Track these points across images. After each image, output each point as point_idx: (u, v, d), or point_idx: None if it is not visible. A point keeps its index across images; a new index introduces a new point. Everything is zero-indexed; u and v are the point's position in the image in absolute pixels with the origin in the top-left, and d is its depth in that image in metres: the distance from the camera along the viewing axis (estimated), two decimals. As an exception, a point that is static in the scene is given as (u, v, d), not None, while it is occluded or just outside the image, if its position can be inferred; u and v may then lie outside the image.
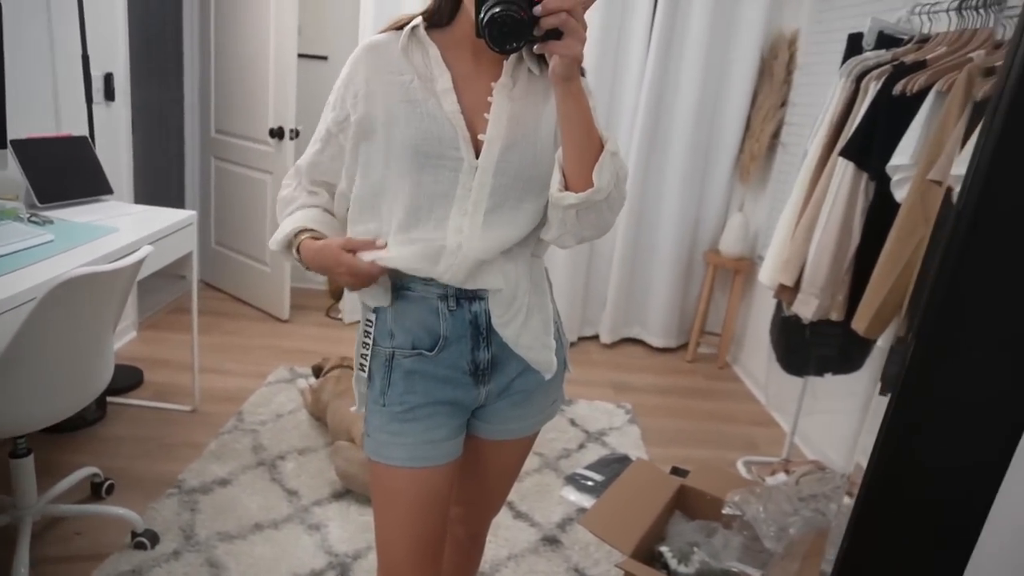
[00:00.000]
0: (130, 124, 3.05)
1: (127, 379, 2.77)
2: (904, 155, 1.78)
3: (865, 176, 1.94)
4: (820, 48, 3.05)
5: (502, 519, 2.15)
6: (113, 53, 2.86)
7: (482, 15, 0.89)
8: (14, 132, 2.15)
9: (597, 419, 2.91)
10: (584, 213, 1.01)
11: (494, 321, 1.10)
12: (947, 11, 1.92)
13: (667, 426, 2.95)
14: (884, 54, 2.06)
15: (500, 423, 1.20)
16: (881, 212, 1.90)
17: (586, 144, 0.97)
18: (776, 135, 3.39)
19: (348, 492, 2.21)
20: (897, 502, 0.85)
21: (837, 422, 2.58)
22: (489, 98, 1.04)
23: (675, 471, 2.35)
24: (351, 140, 1.09)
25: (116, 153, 2.91)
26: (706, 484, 1.97)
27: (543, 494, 2.33)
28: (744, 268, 3.50)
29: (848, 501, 1.78)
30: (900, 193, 1.81)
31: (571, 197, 0.98)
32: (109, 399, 2.60)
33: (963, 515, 0.83)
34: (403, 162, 1.03)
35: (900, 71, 1.88)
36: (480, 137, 1.03)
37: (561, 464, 2.53)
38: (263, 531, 2.01)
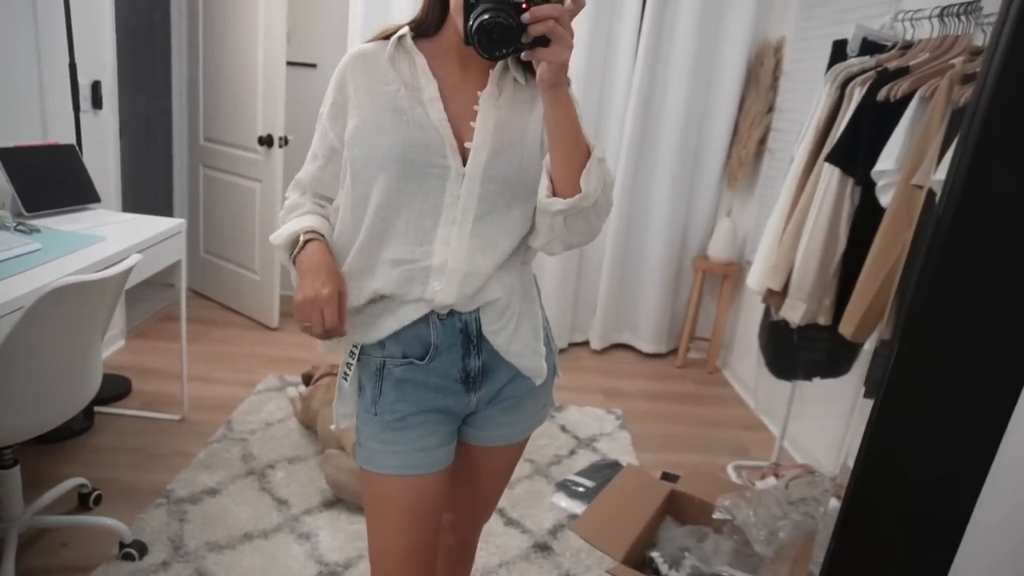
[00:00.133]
0: (118, 132, 3.04)
1: (115, 388, 2.75)
2: (889, 160, 1.80)
3: (851, 181, 1.95)
4: (805, 55, 3.08)
5: (493, 526, 2.15)
6: (101, 61, 2.85)
7: (471, 22, 0.90)
8: (1, 140, 2.14)
9: (588, 425, 2.92)
10: (572, 219, 1.02)
11: (485, 329, 1.10)
12: (929, 18, 1.94)
13: (657, 431, 2.96)
14: (868, 60, 2.08)
15: (491, 429, 1.20)
16: (867, 217, 1.91)
17: (573, 150, 0.98)
18: (763, 141, 3.42)
19: (339, 501, 2.20)
20: (882, 504, 0.86)
21: (826, 426, 2.60)
22: (475, 107, 1.05)
23: (665, 476, 2.36)
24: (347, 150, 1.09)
25: (104, 161, 2.90)
26: (696, 489, 1.98)
27: (534, 501, 2.33)
28: (733, 273, 3.52)
29: (835, 504, 1.79)
30: (885, 198, 1.83)
31: (559, 203, 0.99)
32: (97, 409, 2.58)
33: (947, 515, 0.84)
34: (390, 171, 1.03)
35: (884, 77, 1.91)
36: (467, 145, 1.04)
37: (552, 470, 2.54)
38: (253, 541, 2.00)
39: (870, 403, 0.84)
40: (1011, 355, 0.77)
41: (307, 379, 2.77)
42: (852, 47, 2.17)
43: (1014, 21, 0.68)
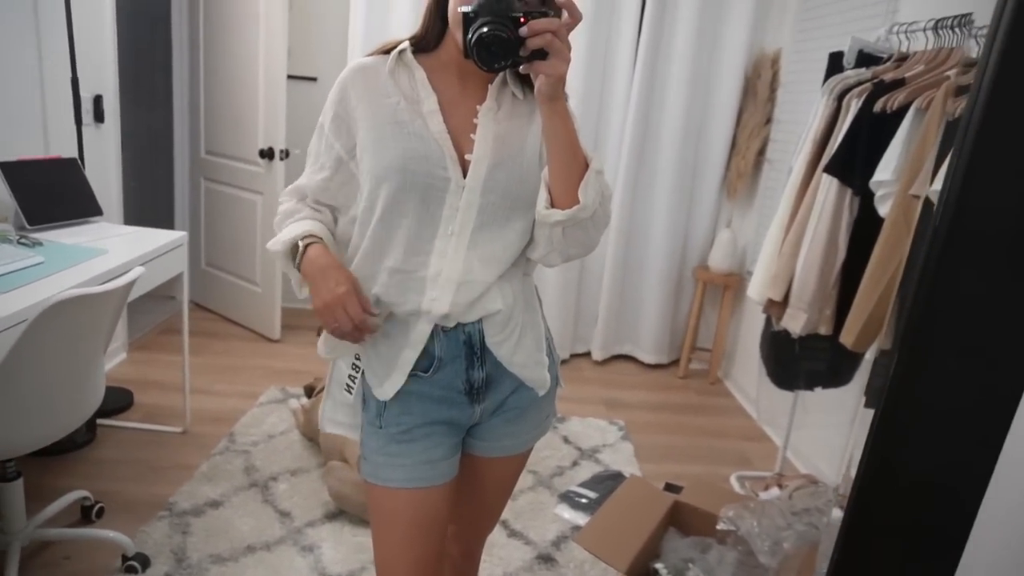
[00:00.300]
0: (120, 145, 3.05)
1: (117, 401, 2.75)
2: (886, 171, 1.81)
3: (849, 192, 1.97)
4: (802, 67, 3.10)
5: (496, 538, 2.14)
6: (102, 75, 2.87)
7: (470, 36, 0.91)
8: (3, 154, 2.16)
9: (590, 436, 2.91)
10: (570, 230, 1.03)
11: (488, 341, 1.11)
12: (924, 30, 1.96)
13: (660, 442, 2.96)
14: (864, 72, 2.10)
15: (494, 440, 1.20)
16: (866, 227, 1.93)
17: (571, 162, 0.99)
18: (762, 152, 3.44)
19: (341, 513, 2.20)
20: (885, 514, 0.86)
21: (828, 435, 2.60)
22: (475, 120, 1.07)
23: (669, 487, 2.35)
24: (357, 163, 1.10)
25: (106, 174, 2.92)
26: (700, 500, 1.98)
27: (537, 512, 2.33)
28: (733, 284, 3.53)
29: (838, 514, 1.79)
30: (884, 208, 1.84)
31: (557, 214, 1.00)
32: (99, 421, 2.58)
33: (950, 524, 0.84)
34: (391, 182, 1.05)
35: (880, 89, 1.92)
36: (467, 157, 1.05)
37: (555, 482, 2.53)
38: (256, 553, 2.00)
39: (871, 413, 0.85)
40: (1011, 363, 0.77)
41: (309, 391, 2.77)
42: (848, 59, 2.19)
43: (1006, 33, 0.69)
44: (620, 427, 3.03)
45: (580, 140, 1.00)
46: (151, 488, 2.26)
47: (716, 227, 3.72)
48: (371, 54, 1.12)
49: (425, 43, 1.10)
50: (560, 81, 0.94)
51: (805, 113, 2.39)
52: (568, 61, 0.93)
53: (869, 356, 1.94)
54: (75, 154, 2.56)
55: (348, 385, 1.17)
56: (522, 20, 0.90)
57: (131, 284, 1.70)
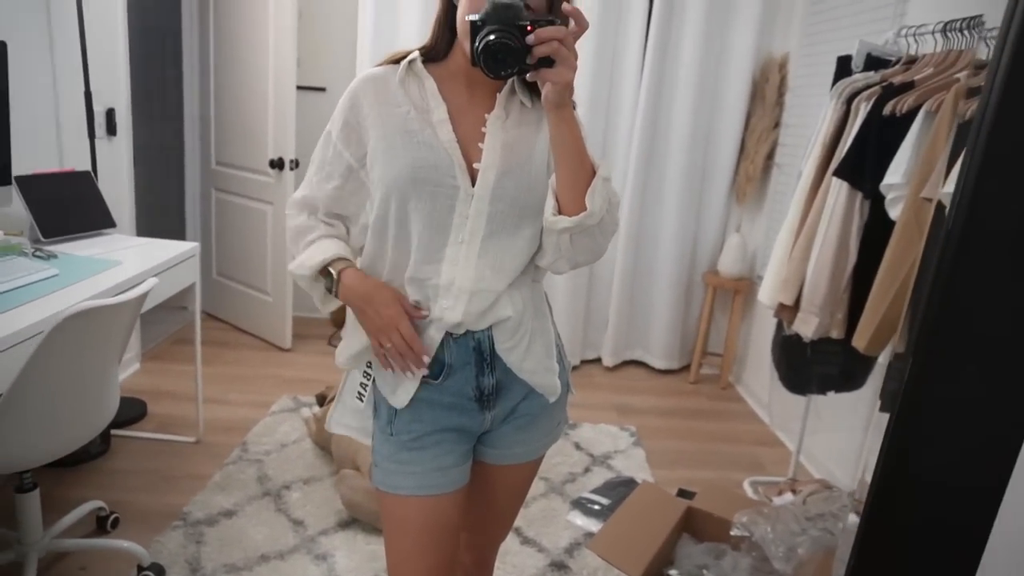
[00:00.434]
0: (132, 158, 3.09)
1: (131, 411, 2.77)
2: (897, 174, 1.81)
3: (859, 195, 1.96)
4: (810, 70, 3.10)
5: (509, 545, 2.14)
6: (115, 88, 2.90)
7: (477, 44, 0.92)
8: (19, 168, 2.18)
9: (602, 442, 2.91)
10: (578, 237, 1.03)
11: (498, 347, 1.11)
12: (932, 33, 1.96)
13: (672, 448, 2.95)
14: (873, 76, 2.09)
15: (506, 447, 1.21)
16: (877, 230, 1.92)
17: (579, 169, 0.99)
18: (770, 156, 3.43)
19: (354, 521, 2.20)
20: (902, 518, 0.86)
21: (842, 440, 2.58)
22: (483, 128, 1.07)
23: (681, 493, 2.35)
24: (367, 171, 1.11)
25: (118, 187, 2.95)
26: (713, 505, 1.97)
27: (550, 519, 2.32)
28: (743, 288, 3.52)
29: (854, 519, 1.77)
30: (894, 211, 1.83)
31: (565, 221, 1.01)
32: (113, 432, 2.60)
33: (968, 528, 0.83)
34: (402, 191, 1.05)
35: (889, 92, 1.92)
36: (476, 165, 1.06)
37: (567, 488, 2.53)
38: (269, 562, 2.00)
39: (886, 417, 0.84)
40: (1026, 366, 0.77)
41: (321, 400, 2.78)
42: (856, 63, 2.19)
43: (1016, 35, 0.69)
44: (632, 433, 3.02)
45: (587, 147, 1.01)
46: (165, 498, 2.27)
47: (725, 232, 3.71)
48: (381, 64, 1.13)
49: (435, 53, 1.11)
50: (567, 89, 0.94)
51: (814, 117, 2.38)
52: (575, 69, 0.93)
53: (883, 360, 1.93)
54: (88, 167, 2.59)
55: (360, 393, 1.18)
56: (529, 28, 0.91)
57: (144, 295, 1.72)
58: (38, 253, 2.06)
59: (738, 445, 3.04)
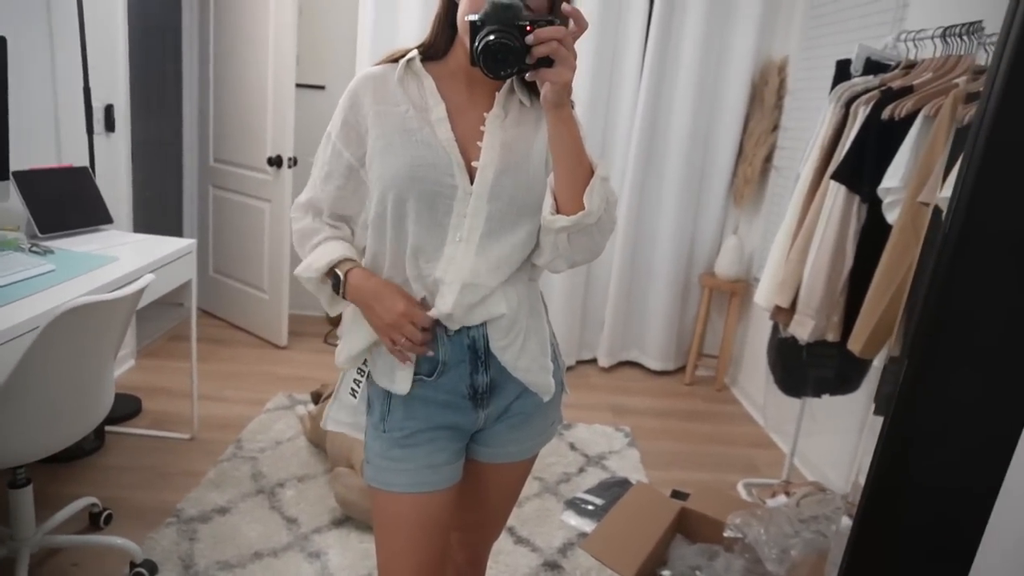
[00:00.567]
0: (130, 154, 3.08)
1: (125, 408, 2.76)
2: (894, 178, 1.81)
3: (857, 198, 1.96)
4: (809, 74, 3.10)
5: (503, 545, 2.14)
6: (114, 84, 2.90)
7: (477, 43, 0.92)
8: (16, 163, 2.17)
9: (596, 443, 2.91)
10: (575, 236, 1.03)
11: (492, 345, 1.11)
12: (932, 38, 1.96)
13: (666, 449, 2.95)
14: (872, 80, 2.10)
15: (499, 446, 1.21)
16: (874, 234, 1.92)
17: (577, 169, 1.00)
18: (768, 159, 3.43)
19: (348, 519, 2.20)
20: (895, 521, 0.86)
21: (836, 443, 2.59)
22: (482, 127, 1.07)
23: (675, 494, 2.35)
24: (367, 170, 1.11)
25: (116, 183, 2.94)
26: (707, 507, 1.98)
27: (543, 519, 2.32)
28: (740, 290, 3.52)
29: (847, 521, 1.78)
30: (892, 215, 1.84)
31: (562, 220, 1.01)
32: (107, 428, 2.59)
33: (960, 531, 0.83)
34: (400, 189, 1.06)
35: (888, 96, 1.92)
36: (474, 164, 1.06)
37: (561, 488, 2.53)
38: (263, 560, 2.00)
39: (880, 420, 0.85)
40: (1021, 369, 0.77)
41: (316, 397, 2.78)
42: (856, 67, 2.19)
43: (1016, 41, 0.70)
44: (626, 434, 3.02)
45: (586, 147, 1.01)
46: (159, 495, 2.26)
47: (723, 233, 3.72)
48: (380, 63, 1.13)
49: (434, 51, 1.11)
50: (566, 88, 0.94)
51: (812, 120, 2.39)
52: (574, 69, 0.94)
53: (877, 363, 1.93)
54: (86, 163, 2.59)
55: (353, 389, 1.18)
56: (528, 28, 0.91)
57: (141, 292, 1.71)
58: (35, 248, 2.05)
59: (732, 447, 3.04)
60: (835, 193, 2.00)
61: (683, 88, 3.44)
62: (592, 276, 3.72)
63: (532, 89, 1.09)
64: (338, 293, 1.11)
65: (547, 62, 0.92)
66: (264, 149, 3.45)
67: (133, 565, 1.88)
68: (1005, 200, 0.73)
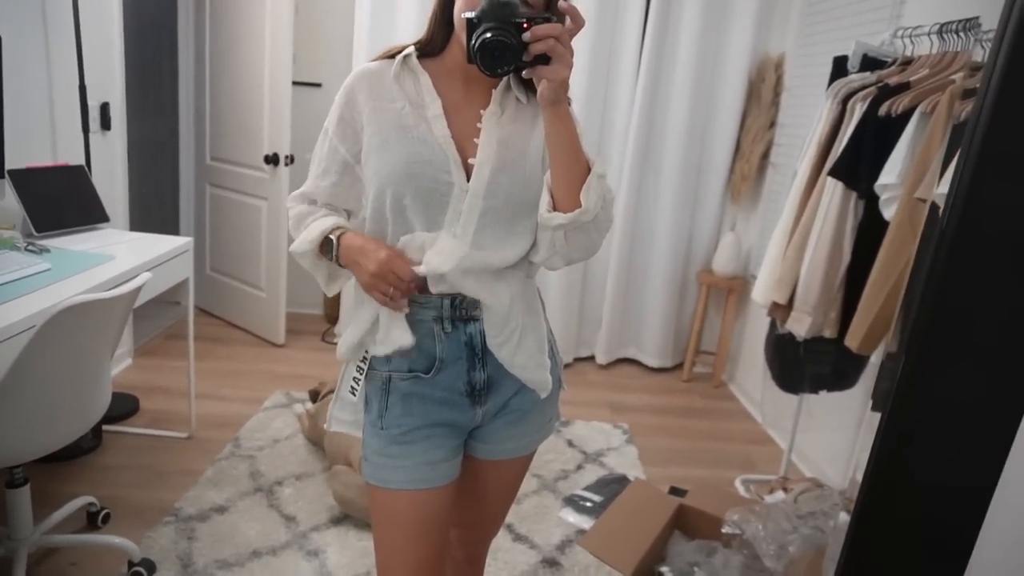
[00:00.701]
0: (126, 152, 3.07)
1: (123, 407, 2.76)
2: (891, 174, 1.81)
3: (854, 195, 1.97)
4: (806, 71, 3.10)
5: (501, 542, 2.14)
6: (109, 82, 2.89)
7: (473, 41, 0.92)
8: (12, 162, 2.17)
9: (595, 440, 2.91)
10: (572, 234, 1.03)
11: (489, 342, 1.11)
12: (928, 34, 1.96)
13: (664, 446, 2.95)
14: (869, 76, 2.10)
15: (497, 443, 1.21)
16: (871, 230, 1.93)
17: (574, 166, 1.00)
18: (766, 156, 3.44)
19: (346, 517, 2.20)
20: (892, 517, 0.86)
21: (834, 439, 2.59)
22: (478, 124, 1.07)
23: (673, 491, 2.36)
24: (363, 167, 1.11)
25: (112, 181, 2.93)
26: (705, 503, 1.98)
27: (542, 516, 2.32)
28: (737, 287, 3.52)
29: (845, 518, 1.78)
30: (889, 211, 1.84)
31: (559, 217, 1.01)
32: (105, 427, 2.58)
33: (958, 527, 0.84)
34: (396, 186, 1.05)
35: (885, 93, 1.92)
36: (470, 161, 1.06)
37: (559, 485, 2.53)
38: (261, 558, 2.00)
39: (878, 416, 0.85)
40: (1018, 365, 0.77)
41: (314, 396, 2.77)
42: (853, 63, 2.19)
43: (1012, 37, 0.70)
44: (624, 430, 3.02)
45: (583, 144, 1.01)
46: (157, 493, 2.26)
47: (720, 230, 3.72)
48: (376, 59, 1.13)
49: (430, 48, 1.11)
50: (563, 85, 0.94)
51: (809, 117, 2.39)
52: (571, 66, 0.94)
53: (875, 359, 1.94)
54: (82, 161, 2.58)
55: (352, 387, 1.17)
56: (525, 26, 0.91)
57: (137, 290, 1.71)
58: (31, 247, 2.05)
59: (730, 443, 3.05)
60: (832, 189, 2.00)
61: (680, 85, 3.44)
62: (589, 273, 3.72)
63: (529, 86, 1.09)
64: (333, 260, 1.10)
65: (544, 59, 0.92)
66: (261, 147, 3.45)
67: (131, 564, 1.88)
68: (1002, 196, 0.73)
